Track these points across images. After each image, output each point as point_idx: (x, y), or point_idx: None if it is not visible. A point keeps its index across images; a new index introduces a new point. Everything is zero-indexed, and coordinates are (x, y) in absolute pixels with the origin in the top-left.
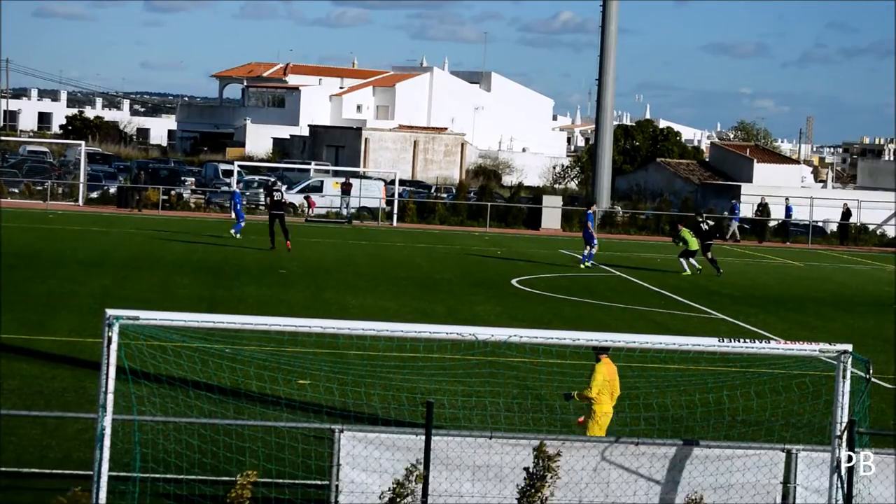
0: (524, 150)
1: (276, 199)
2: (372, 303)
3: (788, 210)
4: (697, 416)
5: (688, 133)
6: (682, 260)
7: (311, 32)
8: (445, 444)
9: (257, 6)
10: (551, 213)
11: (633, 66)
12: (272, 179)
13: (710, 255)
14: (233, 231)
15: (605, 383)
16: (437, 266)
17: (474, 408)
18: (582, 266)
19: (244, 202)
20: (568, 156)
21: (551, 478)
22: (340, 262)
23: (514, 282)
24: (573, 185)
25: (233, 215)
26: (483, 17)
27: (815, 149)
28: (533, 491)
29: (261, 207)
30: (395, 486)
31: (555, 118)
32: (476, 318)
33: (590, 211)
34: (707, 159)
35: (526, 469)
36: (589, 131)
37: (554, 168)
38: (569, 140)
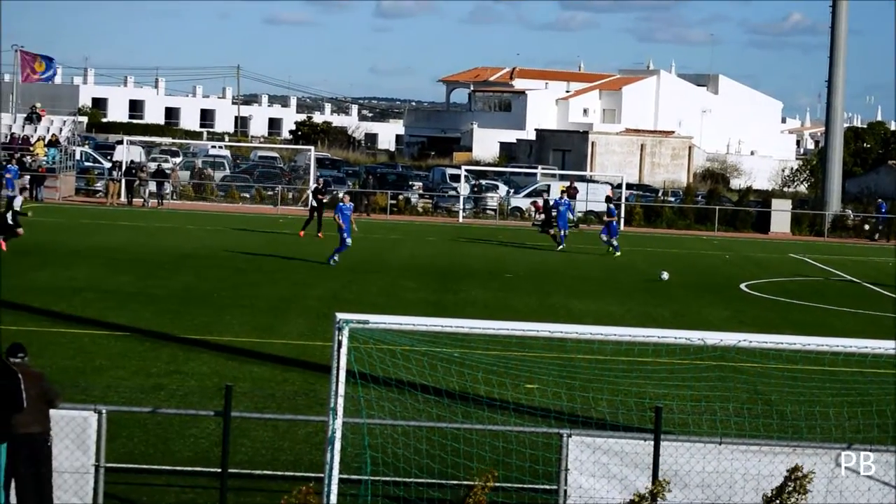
0: (752, 153)
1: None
2: (598, 307)
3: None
4: None
5: None
6: None
7: (539, 36)
8: (674, 449)
9: (485, 10)
10: (780, 217)
11: (863, 67)
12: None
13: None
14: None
15: None
16: (664, 270)
17: (703, 413)
18: None
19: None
20: (797, 159)
21: (799, 498)
22: (566, 266)
23: (742, 286)
24: (803, 188)
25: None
26: (711, 18)
27: None
28: None
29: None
30: (635, 498)
31: (783, 121)
32: (704, 322)
33: None
34: None
35: (779, 487)
36: (819, 134)
37: (783, 171)
38: (798, 143)
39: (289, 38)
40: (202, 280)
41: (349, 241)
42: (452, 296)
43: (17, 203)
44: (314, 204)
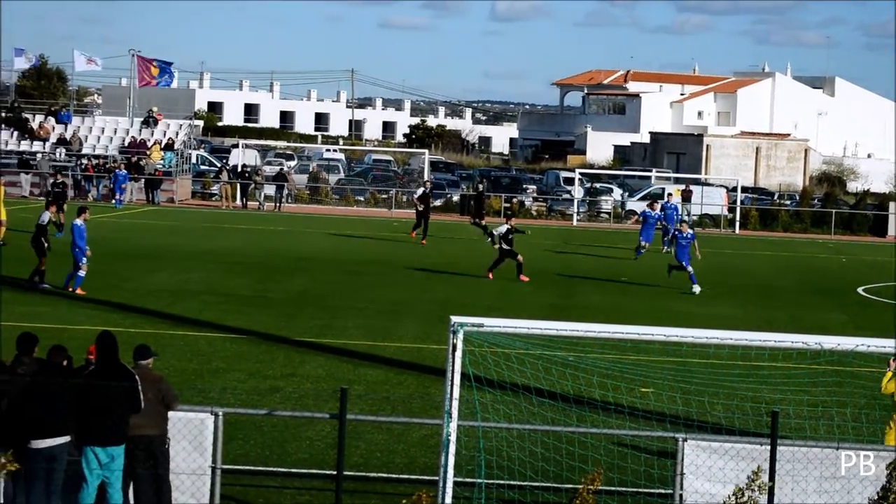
0: (869, 155)
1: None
2: (713, 311)
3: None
4: None
5: None
6: None
7: (653, 39)
8: (791, 454)
9: (599, 13)
10: None
11: None
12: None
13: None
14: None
15: None
16: (779, 274)
17: (820, 418)
18: None
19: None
20: None
21: None
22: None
23: (859, 290)
24: None
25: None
26: (829, 21)
27: None
28: None
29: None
30: (736, 492)
31: None
32: (820, 326)
33: None
34: None
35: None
36: None
37: None
38: None
39: (403, 42)
40: (317, 283)
41: (691, 268)
42: (567, 300)
43: None
44: (420, 208)
